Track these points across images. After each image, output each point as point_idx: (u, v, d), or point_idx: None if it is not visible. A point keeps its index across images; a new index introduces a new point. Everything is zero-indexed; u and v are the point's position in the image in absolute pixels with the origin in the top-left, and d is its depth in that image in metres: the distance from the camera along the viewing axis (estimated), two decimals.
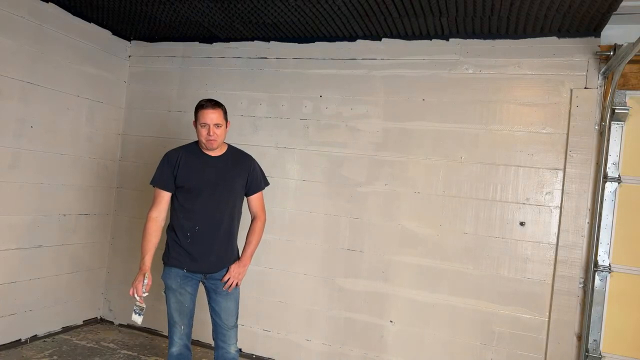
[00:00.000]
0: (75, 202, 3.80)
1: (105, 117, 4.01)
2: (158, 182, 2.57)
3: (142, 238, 2.55)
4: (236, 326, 2.69)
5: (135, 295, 2.43)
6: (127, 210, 4.14)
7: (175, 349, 2.61)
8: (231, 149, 2.70)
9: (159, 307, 3.96)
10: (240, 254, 2.70)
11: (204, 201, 2.54)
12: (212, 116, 2.47)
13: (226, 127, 2.59)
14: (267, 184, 2.80)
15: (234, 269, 2.62)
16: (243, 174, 2.65)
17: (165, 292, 2.62)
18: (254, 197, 2.71)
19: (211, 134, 2.48)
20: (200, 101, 2.53)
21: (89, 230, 3.97)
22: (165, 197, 2.58)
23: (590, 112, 2.95)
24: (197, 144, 2.62)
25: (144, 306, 2.46)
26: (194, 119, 2.55)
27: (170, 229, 2.62)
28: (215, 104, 2.52)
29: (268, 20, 3.35)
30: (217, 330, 2.66)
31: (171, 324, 2.63)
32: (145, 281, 2.43)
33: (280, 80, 3.70)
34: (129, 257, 4.10)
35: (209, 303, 2.69)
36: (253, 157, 2.76)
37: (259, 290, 3.64)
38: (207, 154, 2.59)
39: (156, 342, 3.81)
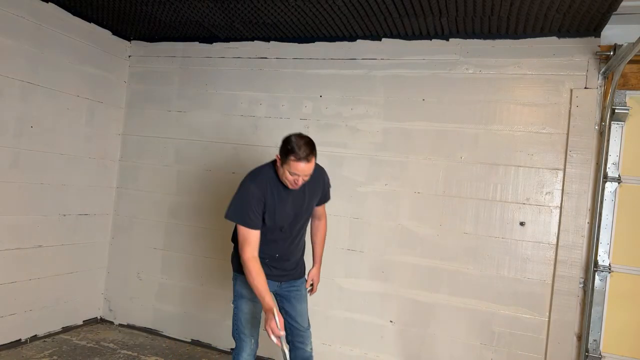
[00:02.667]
0: (75, 202, 3.80)
1: (105, 117, 4.01)
2: (251, 224, 2.30)
3: (250, 281, 2.27)
4: (310, 326, 2.69)
5: (275, 339, 2.19)
6: (127, 210, 4.14)
7: None
8: None
9: (160, 306, 3.97)
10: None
11: (286, 233, 2.48)
12: (306, 170, 2.25)
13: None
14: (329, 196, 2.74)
15: (316, 274, 2.72)
16: (318, 193, 2.58)
17: (235, 303, 2.52)
18: (321, 206, 2.71)
19: (299, 183, 2.30)
20: (294, 146, 2.20)
21: (89, 230, 3.97)
22: (258, 235, 2.33)
23: (590, 112, 2.95)
24: (275, 172, 2.38)
25: (289, 346, 2.31)
26: (278, 155, 2.29)
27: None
28: (310, 153, 2.23)
29: (268, 20, 3.35)
30: (294, 332, 2.63)
31: (241, 338, 2.48)
32: (277, 318, 2.19)
33: (280, 80, 3.70)
34: (129, 257, 4.10)
35: (283, 308, 2.64)
36: (323, 168, 2.63)
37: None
38: (288, 188, 2.39)
39: (156, 342, 3.81)
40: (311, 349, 2.67)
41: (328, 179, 2.67)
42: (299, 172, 2.24)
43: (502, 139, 3.13)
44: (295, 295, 2.62)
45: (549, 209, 3.03)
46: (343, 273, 3.44)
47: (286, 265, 2.56)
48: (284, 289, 2.60)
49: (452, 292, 3.18)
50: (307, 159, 2.22)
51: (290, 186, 2.32)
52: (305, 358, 2.63)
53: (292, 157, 2.21)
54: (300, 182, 2.29)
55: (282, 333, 2.20)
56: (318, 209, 2.70)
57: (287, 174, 2.27)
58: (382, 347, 3.33)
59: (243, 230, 2.31)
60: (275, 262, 2.52)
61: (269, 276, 2.40)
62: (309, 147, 2.24)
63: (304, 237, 2.66)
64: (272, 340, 2.19)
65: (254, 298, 2.40)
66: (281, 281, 2.57)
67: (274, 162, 2.40)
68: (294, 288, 2.62)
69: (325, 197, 2.68)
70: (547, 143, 3.04)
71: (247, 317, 2.48)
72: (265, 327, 2.21)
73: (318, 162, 3.51)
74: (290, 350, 2.55)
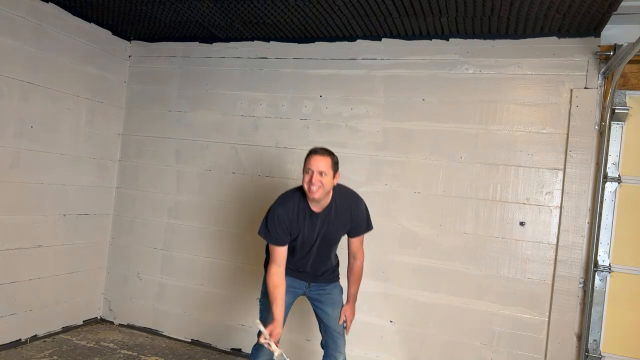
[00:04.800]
0: (75, 202, 3.80)
1: (105, 117, 4.01)
2: (277, 241, 2.41)
3: (268, 289, 2.41)
4: (344, 334, 2.72)
5: (264, 342, 2.31)
6: (127, 210, 4.14)
7: None
8: (336, 195, 2.49)
9: (160, 306, 3.97)
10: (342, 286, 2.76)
11: (310, 254, 2.53)
12: (317, 163, 2.31)
13: (334, 177, 2.38)
14: (370, 228, 2.64)
15: (348, 311, 2.68)
16: (346, 223, 2.53)
17: (261, 301, 2.62)
18: (355, 239, 2.62)
19: (313, 181, 2.30)
20: (312, 148, 2.43)
21: (89, 230, 3.97)
22: (284, 252, 2.45)
23: (590, 112, 2.95)
24: (303, 196, 2.43)
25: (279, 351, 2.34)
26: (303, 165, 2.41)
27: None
28: (325, 151, 2.37)
29: (268, 20, 3.35)
30: (329, 336, 2.67)
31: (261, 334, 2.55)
32: (266, 332, 2.30)
33: (280, 80, 3.70)
34: (129, 257, 4.10)
35: (316, 312, 2.70)
36: (360, 197, 2.60)
37: (260, 290, 3.63)
38: (314, 211, 2.44)
39: (156, 342, 3.81)
40: (344, 358, 2.68)
41: (365, 211, 2.59)
42: (312, 166, 2.32)
43: (502, 139, 3.13)
44: (326, 299, 2.65)
45: (549, 209, 3.02)
46: (343, 273, 3.43)
47: (315, 273, 2.63)
48: (313, 292, 2.65)
49: (452, 292, 3.18)
50: (318, 152, 2.36)
51: (309, 193, 2.33)
52: None
53: (307, 155, 2.38)
54: (315, 181, 2.30)
55: (271, 345, 2.29)
56: (354, 244, 2.63)
57: (304, 175, 2.35)
58: (382, 347, 3.33)
59: (270, 247, 2.47)
60: (303, 272, 2.61)
61: (298, 274, 2.57)
62: (325, 149, 2.41)
63: (334, 255, 2.70)
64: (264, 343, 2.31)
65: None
66: (309, 282, 2.62)
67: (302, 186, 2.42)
68: (325, 292, 2.65)
69: (357, 229, 2.58)
70: (547, 143, 3.04)
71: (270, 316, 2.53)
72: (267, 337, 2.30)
73: None
74: (323, 356, 2.69)
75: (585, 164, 2.95)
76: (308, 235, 2.47)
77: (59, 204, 3.67)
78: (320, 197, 2.34)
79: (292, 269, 2.56)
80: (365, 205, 2.60)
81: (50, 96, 3.51)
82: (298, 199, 2.45)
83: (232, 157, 3.80)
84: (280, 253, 2.44)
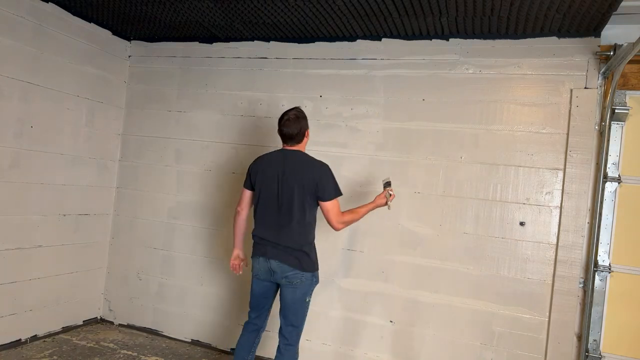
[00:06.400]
0: (75, 202, 3.80)
1: (105, 117, 4.01)
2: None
3: (356, 217, 2.72)
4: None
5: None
6: (127, 210, 4.14)
7: None
8: None
9: (160, 306, 3.97)
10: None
11: None
12: None
13: None
14: None
15: None
16: None
17: (309, 299, 2.72)
18: None
19: None
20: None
21: (89, 230, 3.97)
22: None
23: (590, 112, 2.95)
24: None
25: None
26: (307, 130, 2.77)
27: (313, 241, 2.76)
28: None
29: (268, 20, 3.35)
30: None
31: (302, 330, 2.76)
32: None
33: (280, 80, 3.70)
34: (129, 257, 4.10)
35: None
36: None
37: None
38: None
39: (156, 342, 3.81)
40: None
41: None
42: None
43: (502, 139, 3.13)
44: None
45: (549, 209, 3.02)
46: (343, 273, 3.44)
47: None
48: None
49: (452, 292, 3.18)
50: None
51: None
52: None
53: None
54: None
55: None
56: None
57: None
58: (382, 347, 3.33)
59: (338, 201, 2.68)
60: None
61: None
62: None
63: None
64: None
65: None
66: None
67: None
68: None
69: None
70: (547, 143, 3.04)
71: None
72: (388, 203, 2.79)
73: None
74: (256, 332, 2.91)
75: (585, 164, 2.95)
76: None
77: (59, 204, 3.67)
78: None
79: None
80: None
81: (50, 96, 3.51)
82: None
83: (232, 157, 3.80)
84: None
